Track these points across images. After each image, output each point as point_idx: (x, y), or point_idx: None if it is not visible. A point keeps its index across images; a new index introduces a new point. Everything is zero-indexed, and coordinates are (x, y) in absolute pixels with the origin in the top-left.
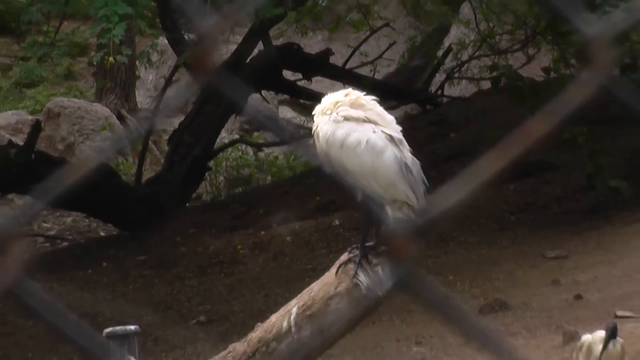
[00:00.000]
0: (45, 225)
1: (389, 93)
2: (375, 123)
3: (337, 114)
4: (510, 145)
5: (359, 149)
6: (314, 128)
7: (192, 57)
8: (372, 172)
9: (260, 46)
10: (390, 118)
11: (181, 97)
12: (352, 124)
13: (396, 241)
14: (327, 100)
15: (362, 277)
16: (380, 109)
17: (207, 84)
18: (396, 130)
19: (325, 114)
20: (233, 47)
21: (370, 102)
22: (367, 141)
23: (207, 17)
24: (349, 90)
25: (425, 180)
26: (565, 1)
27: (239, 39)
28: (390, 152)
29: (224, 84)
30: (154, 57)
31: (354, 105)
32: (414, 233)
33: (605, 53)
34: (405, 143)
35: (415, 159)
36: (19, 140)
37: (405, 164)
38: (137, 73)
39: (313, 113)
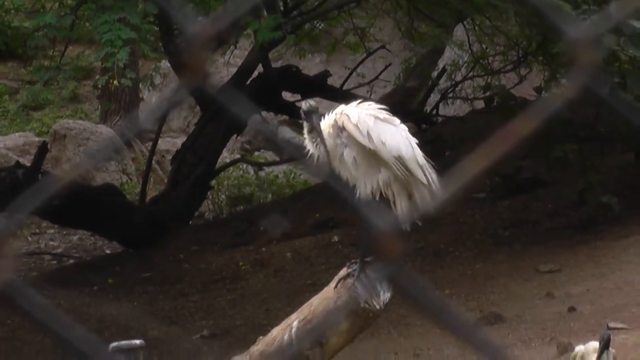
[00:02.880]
0: (52, 243)
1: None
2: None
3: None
4: (495, 144)
5: (392, 125)
6: (337, 116)
7: (182, 60)
8: (409, 148)
9: (260, 68)
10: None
11: (172, 100)
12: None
13: (384, 241)
14: (344, 105)
15: (361, 291)
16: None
17: (198, 88)
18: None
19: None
20: (233, 70)
21: (383, 111)
22: (399, 121)
23: (195, 21)
24: (361, 101)
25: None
26: (548, 5)
27: (239, 61)
28: (413, 140)
29: (230, 100)
30: (157, 80)
31: (372, 108)
32: (401, 232)
33: (587, 53)
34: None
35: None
36: (26, 161)
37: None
38: (140, 95)
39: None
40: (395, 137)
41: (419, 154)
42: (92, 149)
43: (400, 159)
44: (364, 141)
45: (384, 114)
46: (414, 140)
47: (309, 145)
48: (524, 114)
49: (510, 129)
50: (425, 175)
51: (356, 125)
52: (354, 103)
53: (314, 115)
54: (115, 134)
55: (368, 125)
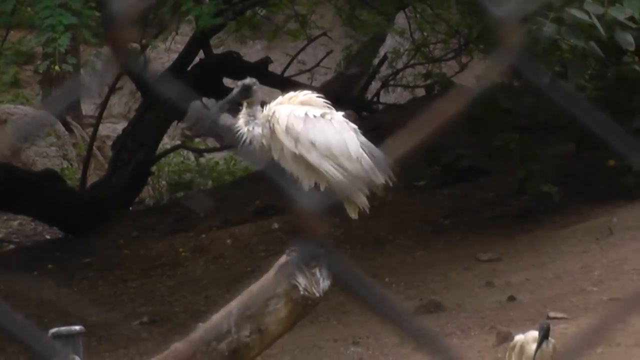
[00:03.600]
0: None
1: (326, 100)
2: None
3: (294, 101)
4: (421, 124)
5: (323, 120)
6: (271, 114)
7: (109, 36)
8: (341, 144)
9: (201, 54)
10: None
11: (101, 76)
12: (311, 106)
13: (306, 219)
14: (281, 97)
15: (300, 279)
16: (329, 105)
17: (124, 66)
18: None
19: (281, 104)
20: (174, 56)
21: (319, 100)
22: (331, 117)
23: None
24: (297, 92)
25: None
26: None
27: (180, 47)
28: (352, 132)
29: (168, 89)
30: (99, 66)
31: (306, 99)
32: (323, 211)
33: (513, 34)
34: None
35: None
36: None
37: (365, 144)
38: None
39: (264, 109)
40: (326, 135)
41: (354, 145)
42: (19, 123)
43: (332, 157)
44: (292, 148)
45: (317, 109)
46: (350, 130)
47: (243, 126)
48: (451, 95)
49: (437, 109)
50: (362, 166)
51: (285, 131)
52: (290, 95)
53: (256, 89)
54: (43, 112)
55: (297, 131)
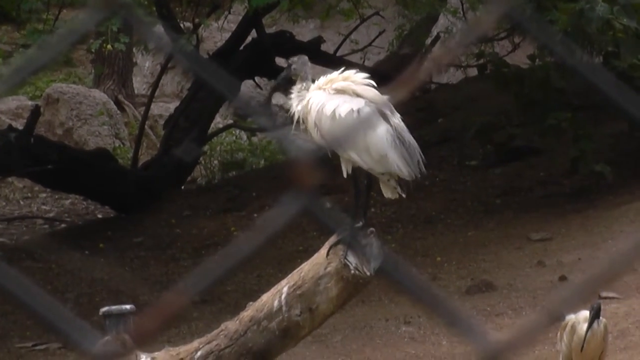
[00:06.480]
0: (44, 207)
1: (378, 80)
2: (366, 98)
3: (330, 88)
4: (419, 69)
5: (350, 119)
6: (305, 102)
7: None
8: (364, 143)
9: (253, 34)
10: (378, 93)
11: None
12: (344, 96)
13: (299, 169)
14: (322, 79)
15: (351, 258)
16: (370, 84)
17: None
18: (385, 104)
19: (319, 89)
20: (227, 35)
21: (361, 79)
22: (358, 111)
23: None
24: (343, 69)
25: (418, 149)
26: None
27: (233, 27)
28: (383, 124)
29: (212, 76)
30: (151, 45)
31: (346, 81)
32: (316, 162)
33: None
34: (397, 113)
35: (405, 127)
36: (19, 124)
37: (398, 136)
38: (134, 60)
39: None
40: (352, 135)
41: (379, 143)
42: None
43: (357, 154)
44: (320, 141)
45: (347, 103)
46: (380, 124)
47: (295, 105)
48: (446, 43)
49: (434, 55)
50: (387, 163)
51: (314, 126)
52: (329, 77)
53: (300, 67)
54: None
55: (324, 130)
